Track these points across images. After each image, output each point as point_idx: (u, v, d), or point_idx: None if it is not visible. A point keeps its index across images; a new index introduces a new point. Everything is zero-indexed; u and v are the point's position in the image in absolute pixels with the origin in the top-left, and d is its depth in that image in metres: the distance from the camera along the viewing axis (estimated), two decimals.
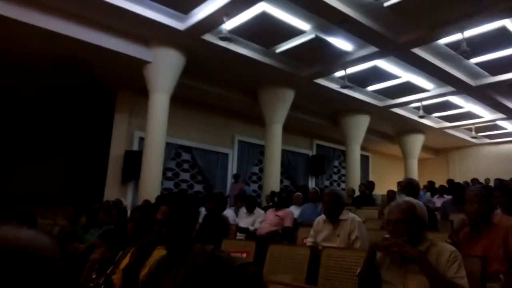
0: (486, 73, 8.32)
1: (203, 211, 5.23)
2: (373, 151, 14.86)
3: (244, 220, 5.30)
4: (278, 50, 7.41)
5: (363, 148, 11.93)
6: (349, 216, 3.43)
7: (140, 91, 7.95)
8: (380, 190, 10.03)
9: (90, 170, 10.72)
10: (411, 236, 1.95)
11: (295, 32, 6.75)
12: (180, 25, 6.58)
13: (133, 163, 8.11)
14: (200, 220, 5.17)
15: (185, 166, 9.83)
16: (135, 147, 8.85)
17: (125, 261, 2.34)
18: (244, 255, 3.27)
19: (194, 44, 7.01)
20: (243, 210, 5.59)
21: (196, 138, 9.88)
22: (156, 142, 7.21)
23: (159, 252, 2.06)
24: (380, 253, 2.01)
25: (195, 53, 7.35)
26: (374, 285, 2.05)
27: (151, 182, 7.07)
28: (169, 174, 9.45)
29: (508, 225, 2.81)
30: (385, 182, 12.68)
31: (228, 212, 5.62)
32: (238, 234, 5.03)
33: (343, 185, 12.91)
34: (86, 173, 11.08)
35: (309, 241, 3.45)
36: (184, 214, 1.73)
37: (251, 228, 5.08)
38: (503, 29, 6.38)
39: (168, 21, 6.49)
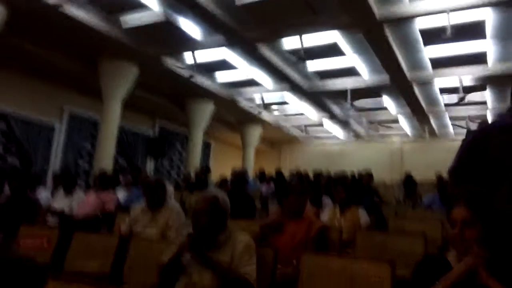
0: (317, 78, 9.33)
1: (6, 189, 4.49)
2: (216, 138, 15.29)
3: (60, 202, 4.74)
4: (123, 22, 6.87)
5: (206, 134, 12.14)
6: (170, 204, 3.39)
7: None
8: (219, 176, 10.35)
9: None
10: (212, 226, 2.04)
11: (143, 4, 6.33)
12: None
13: None
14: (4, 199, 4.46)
15: None
16: None
17: None
18: (44, 243, 2.91)
19: None
20: (61, 190, 5.00)
21: (15, 104, 8.46)
22: None
23: None
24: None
25: (20, 8, 6.23)
26: (176, 276, 2.05)
27: None
28: None
29: (311, 217, 3.17)
30: (225, 168, 13.17)
31: (42, 193, 4.97)
32: (51, 217, 4.50)
33: (183, 169, 12.93)
34: None
35: (123, 228, 3.27)
36: None
37: (67, 211, 4.57)
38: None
39: None
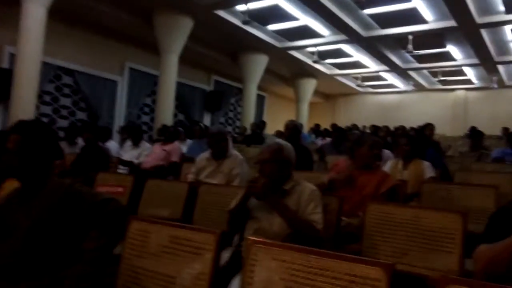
0: (376, 26, 8.82)
1: (80, 142, 4.84)
2: (269, 91, 15.24)
3: (129, 153, 5.05)
4: None
5: (260, 88, 12.12)
6: (233, 153, 3.49)
7: None
8: (273, 129, 10.43)
9: None
10: (278, 175, 2.06)
11: None
12: None
13: (1, 82, 7.08)
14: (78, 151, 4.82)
15: (66, 90, 8.87)
16: (5, 65, 7.68)
17: None
18: (120, 189, 3.14)
19: None
20: (128, 142, 5.32)
21: (80, 61, 8.86)
22: (30, 59, 6.31)
23: (11, 184, 1.86)
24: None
25: None
26: (243, 221, 2.13)
27: (24, 104, 6.28)
28: (47, 98, 8.48)
29: (384, 171, 3.10)
30: (278, 122, 13.21)
31: (112, 144, 5.30)
32: (121, 167, 4.82)
33: (238, 123, 13.15)
34: None
35: (190, 177, 3.43)
36: (37, 144, 1.54)
37: (136, 161, 4.88)
38: None
39: None
